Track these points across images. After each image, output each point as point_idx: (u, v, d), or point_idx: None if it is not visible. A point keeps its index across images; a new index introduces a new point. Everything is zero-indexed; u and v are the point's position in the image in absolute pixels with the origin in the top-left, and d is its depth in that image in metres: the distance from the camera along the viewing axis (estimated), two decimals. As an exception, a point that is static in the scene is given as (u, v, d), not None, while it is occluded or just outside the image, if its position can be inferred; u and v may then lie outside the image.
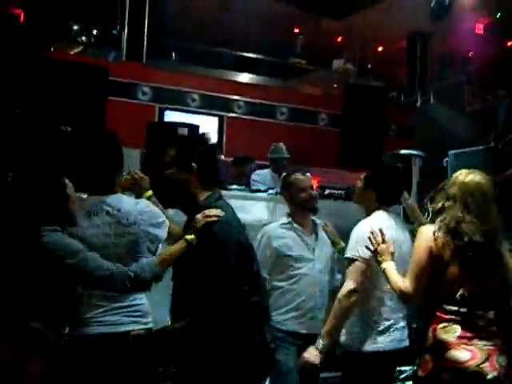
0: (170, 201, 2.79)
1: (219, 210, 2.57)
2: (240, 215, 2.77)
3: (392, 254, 3.13)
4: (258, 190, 6.20)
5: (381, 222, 3.39)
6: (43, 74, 5.99)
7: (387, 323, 3.36)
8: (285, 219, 3.98)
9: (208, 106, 10.23)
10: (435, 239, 2.90)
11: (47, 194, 2.66)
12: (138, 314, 2.87)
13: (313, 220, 4.04)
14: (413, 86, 11.59)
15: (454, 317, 2.86)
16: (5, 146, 5.07)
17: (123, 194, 3.08)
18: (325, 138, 10.51)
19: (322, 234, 4.03)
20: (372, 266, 3.26)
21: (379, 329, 3.34)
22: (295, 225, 3.93)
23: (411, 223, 4.03)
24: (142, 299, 2.93)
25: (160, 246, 3.12)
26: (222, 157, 9.40)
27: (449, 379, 2.78)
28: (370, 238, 3.17)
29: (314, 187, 4.11)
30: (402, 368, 3.96)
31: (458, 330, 2.84)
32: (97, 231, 2.83)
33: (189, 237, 2.57)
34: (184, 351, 2.55)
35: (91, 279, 2.61)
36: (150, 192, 3.23)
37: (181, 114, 9.79)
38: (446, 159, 6.85)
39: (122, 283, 2.57)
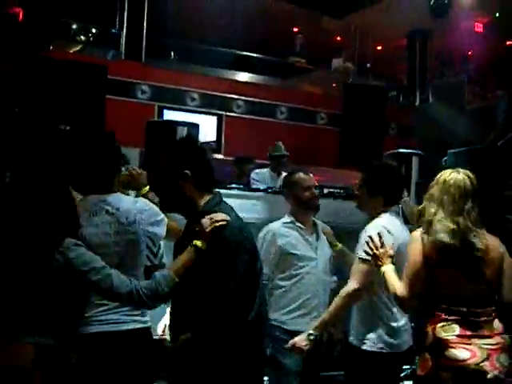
0: (170, 207, 2.80)
1: (224, 214, 2.57)
2: (240, 214, 2.76)
3: (391, 257, 3.13)
4: (258, 189, 6.19)
5: (391, 222, 3.44)
6: (42, 72, 5.97)
7: (395, 324, 3.39)
8: (287, 218, 3.97)
9: (207, 105, 10.23)
10: (423, 241, 2.92)
11: (59, 204, 2.64)
12: (138, 312, 2.87)
13: (313, 220, 4.04)
14: (412, 84, 11.59)
15: (453, 316, 2.86)
16: (3, 146, 5.05)
17: (122, 190, 3.08)
18: (324, 137, 10.51)
19: (321, 234, 4.02)
20: None
21: (387, 330, 3.37)
22: (298, 224, 3.93)
23: (409, 224, 4.03)
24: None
25: (162, 243, 3.13)
26: (221, 156, 9.42)
27: (448, 378, 2.78)
28: (367, 242, 3.18)
29: (315, 187, 4.12)
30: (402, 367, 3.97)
31: (457, 328, 2.84)
32: (97, 230, 2.82)
33: (198, 243, 2.55)
34: (184, 354, 2.55)
35: (114, 296, 2.61)
36: (147, 187, 3.23)
37: (180, 113, 9.79)
38: (445, 158, 6.84)
39: (141, 300, 2.57)
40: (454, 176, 2.97)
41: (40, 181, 2.73)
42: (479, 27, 11.99)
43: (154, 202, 3.03)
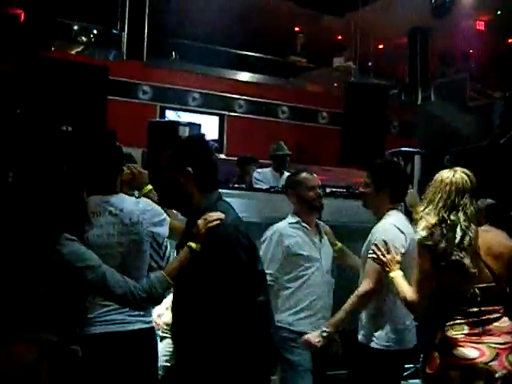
0: (169, 202, 2.79)
1: (219, 213, 2.55)
2: (243, 214, 2.75)
3: (399, 262, 3.13)
4: (260, 189, 6.19)
5: (400, 220, 3.46)
6: (44, 73, 5.97)
7: (402, 323, 3.42)
8: (292, 218, 3.94)
9: (209, 104, 10.23)
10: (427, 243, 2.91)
11: (70, 199, 2.64)
12: (142, 312, 2.87)
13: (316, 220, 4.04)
14: (414, 83, 11.57)
15: (461, 315, 2.84)
16: (6, 146, 5.06)
17: (127, 191, 3.09)
18: (326, 136, 10.51)
19: (324, 234, 4.02)
20: None
21: (395, 328, 3.39)
22: (304, 224, 3.92)
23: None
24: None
25: (167, 242, 3.12)
26: (223, 156, 9.41)
27: (456, 376, 2.77)
28: (374, 250, 3.19)
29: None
30: (406, 365, 3.97)
31: (465, 327, 2.83)
32: (101, 231, 2.83)
33: (193, 244, 2.53)
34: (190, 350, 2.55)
35: (108, 295, 2.60)
36: (149, 186, 3.23)
37: (181, 113, 9.80)
38: (448, 157, 6.84)
39: (135, 301, 2.56)
40: (451, 175, 2.95)
41: (42, 181, 2.73)
42: (480, 25, 11.97)
43: (155, 202, 3.03)
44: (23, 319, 2.44)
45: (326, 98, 11.70)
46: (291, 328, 3.75)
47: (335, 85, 12.26)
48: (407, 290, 2.96)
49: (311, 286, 3.81)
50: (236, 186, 6.09)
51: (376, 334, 3.38)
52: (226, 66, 11.16)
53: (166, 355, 4.07)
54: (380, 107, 8.58)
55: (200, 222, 2.52)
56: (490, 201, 4.38)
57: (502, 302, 2.90)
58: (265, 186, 6.45)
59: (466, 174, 2.96)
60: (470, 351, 2.77)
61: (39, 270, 2.47)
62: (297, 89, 11.93)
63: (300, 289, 3.81)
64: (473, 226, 2.88)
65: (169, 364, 4.08)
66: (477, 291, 2.83)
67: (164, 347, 4.08)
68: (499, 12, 11.93)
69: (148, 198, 3.15)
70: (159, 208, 2.99)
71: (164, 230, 3.01)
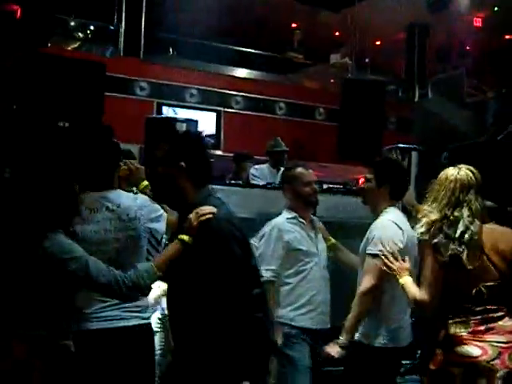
0: (161, 197, 2.78)
1: (211, 207, 2.54)
2: (239, 210, 2.76)
3: (408, 269, 3.14)
4: (257, 185, 6.19)
5: (398, 217, 3.48)
6: (40, 70, 5.95)
7: (397, 322, 3.44)
8: (289, 214, 3.93)
9: (206, 101, 10.23)
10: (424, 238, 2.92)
11: (60, 193, 2.64)
12: (138, 308, 2.87)
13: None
14: (411, 79, 11.58)
15: (465, 313, 2.85)
16: (3, 142, 5.05)
17: (125, 187, 3.09)
18: (323, 132, 10.51)
19: (318, 229, 4.03)
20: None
21: (391, 326, 3.41)
22: (301, 219, 3.92)
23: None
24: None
25: (166, 238, 3.12)
26: (220, 152, 9.42)
27: (459, 373, 2.78)
28: (383, 259, 3.20)
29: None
30: (402, 362, 3.99)
31: (470, 325, 2.83)
32: (97, 227, 2.83)
33: (184, 237, 2.53)
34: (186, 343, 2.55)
35: (92, 285, 2.59)
36: (145, 182, 3.23)
37: (179, 109, 9.79)
38: (445, 154, 6.84)
39: (120, 291, 2.55)
40: (455, 172, 2.96)
41: (39, 177, 2.73)
42: (478, 21, 11.97)
43: (150, 197, 3.03)
44: (12, 316, 2.44)
45: (323, 94, 11.71)
46: (292, 323, 3.74)
47: (332, 81, 12.25)
48: (416, 291, 2.97)
49: (311, 281, 3.81)
50: (233, 182, 6.08)
51: (371, 332, 3.40)
52: (223, 62, 11.16)
53: (159, 350, 4.08)
54: (377, 103, 8.56)
55: (192, 215, 2.51)
56: (489, 203, 4.38)
57: (506, 301, 2.89)
58: (262, 183, 6.45)
59: (471, 171, 2.96)
60: (472, 349, 2.78)
61: (25, 266, 2.47)
62: (294, 85, 11.93)
63: (300, 284, 3.80)
64: (477, 222, 2.88)
65: (161, 358, 4.09)
66: (483, 289, 2.83)
67: (157, 342, 4.09)
68: (496, 8, 11.93)
69: (144, 194, 3.15)
70: (157, 204, 3.00)
71: (161, 226, 3.01)
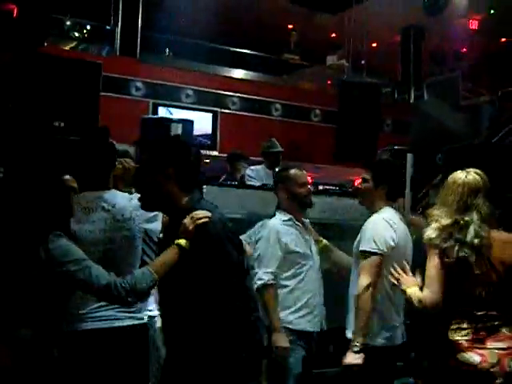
0: (149, 205, 2.70)
1: (205, 211, 2.54)
2: (235, 211, 2.76)
3: (417, 284, 3.10)
4: (253, 186, 6.19)
5: (392, 215, 3.48)
6: (36, 69, 5.94)
7: (391, 321, 3.44)
8: (284, 215, 3.90)
9: (202, 101, 10.22)
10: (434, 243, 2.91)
11: (52, 195, 2.63)
12: (132, 309, 2.86)
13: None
14: (407, 81, 11.60)
15: (465, 319, 2.84)
16: (-3, 142, 5.04)
17: (120, 187, 3.08)
18: (319, 134, 10.53)
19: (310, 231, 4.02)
20: (386, 261, 3.30)
21: (385, 325, 3.40)
22: (296, 222, 3.89)
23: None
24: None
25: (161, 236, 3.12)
26: (216, 153, 9.41)
27: (458, 380, 2.78)
28: (392, 273, 3.16)
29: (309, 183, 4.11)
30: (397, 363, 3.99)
31: (468, 332, 2.83)
32: (93, 227, 2.83)
33: (181, 242, 2.52)
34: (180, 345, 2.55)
35: (91, 289, 2.58)
36: None
37: (174, 109, 9.79)
38: (440, 155, 6.85)
39: (119, 295, 2.53)
40: (463, 176, 2.95)
41: (33, 177, 2.72)
42: (474, 24, 12.01)
43: None
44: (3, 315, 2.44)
45: (319, 95, 11.72)
46: (290, 327, 3.71)
47: (328, 83, 12.28)
48: (420, 294, 2.94)
49: (307, 284, 3.79)
50: (229, 182, 6.08)
51: (369, 331, 3.35)
52: (220, 63, 11.17)
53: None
54: (373, 105, 8.59)
55: (187, 220, 2.50)
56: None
57: (506, 307, 2.88)
58: (257, 183, 6.44)
59: (479, 175, 2.96)
60: (472, 356, 2.77)
61: (24, 266, 2.46)
62: (290, 86, 11.94)
63: (298, 286, 3.77)
64: (485, 227, 2.88)
65: None
66: (484, 294, 2.83)
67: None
68: (492, 11, 11.97)
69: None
70: None
71: (157, 226, 3.01)
